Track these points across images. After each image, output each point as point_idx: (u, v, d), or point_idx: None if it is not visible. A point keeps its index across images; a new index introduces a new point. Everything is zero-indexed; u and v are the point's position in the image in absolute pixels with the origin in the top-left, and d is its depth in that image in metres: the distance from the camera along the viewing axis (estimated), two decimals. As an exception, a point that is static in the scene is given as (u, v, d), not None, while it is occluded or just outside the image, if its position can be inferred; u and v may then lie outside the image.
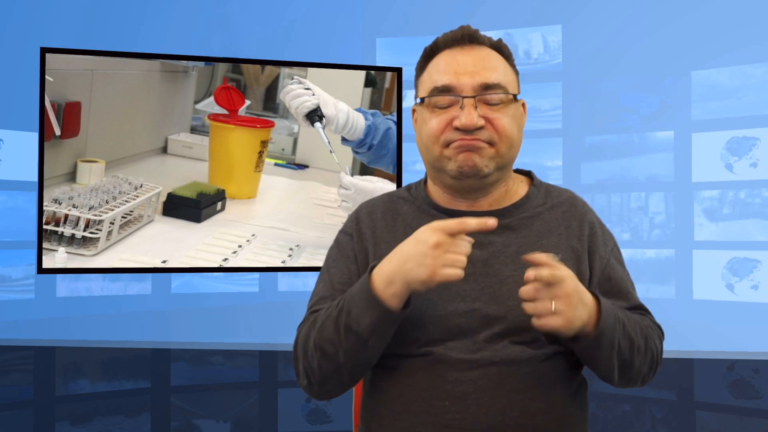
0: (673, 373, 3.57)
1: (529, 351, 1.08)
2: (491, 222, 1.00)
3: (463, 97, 1.09)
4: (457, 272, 0.99)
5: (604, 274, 1.16)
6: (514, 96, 1.13)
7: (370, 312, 1.01)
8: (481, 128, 1.09)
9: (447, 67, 1.12)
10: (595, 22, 3.98)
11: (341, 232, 1.23)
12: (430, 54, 1.16)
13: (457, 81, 1.10)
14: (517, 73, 1.18)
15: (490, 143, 1.10)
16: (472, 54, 1.12)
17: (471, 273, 1.10)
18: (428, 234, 0.99)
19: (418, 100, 1.17)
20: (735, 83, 3.79)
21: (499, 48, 1.16)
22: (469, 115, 1.08)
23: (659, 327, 1.18)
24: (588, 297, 1.02)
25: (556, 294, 0.98)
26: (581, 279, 1.12)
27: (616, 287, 1.16)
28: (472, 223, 0.99)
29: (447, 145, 1.11)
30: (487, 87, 1.10)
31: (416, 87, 1.19)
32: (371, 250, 1.16)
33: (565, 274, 1.00)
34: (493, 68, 1.12)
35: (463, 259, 0.99)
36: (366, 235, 1.18)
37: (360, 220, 1.20)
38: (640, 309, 1.18)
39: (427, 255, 0.98)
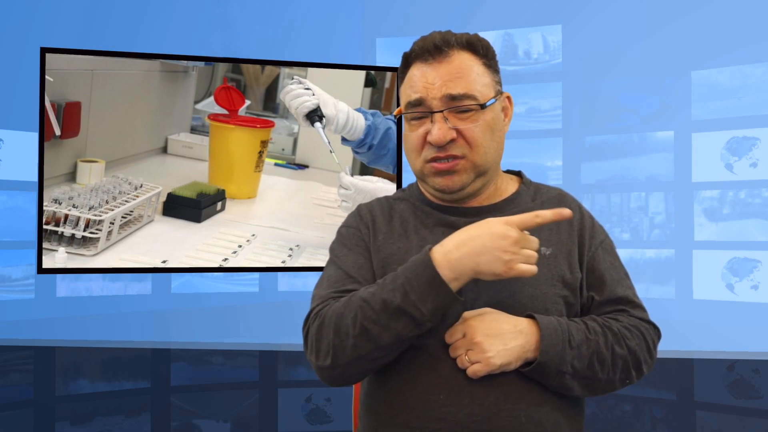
0: (673, 373, 3.57)
1: None
2: (566, 212, 1.05)
3: (432, 113, 1.12)
4: (532, 268, 1.02)
5: (589, 265, 1.17)
6: (482, 105, 1.13)
7: (434, 298, 1.01)
8: (452, 141, 1.12)
9: (417, 83, 1.14)
10: (595, 22, 3.98)
11: (344, 226, 1.25)
12: (406, 63, 1.18)
13: (426, 95, 1.13)
14: (495, 70, 1.18)
15: (464, 157, 1.13)
16: (439, 69, 1.13)
17: None
18: (505, 229, 1.02)
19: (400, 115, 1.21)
20: (735, 83, 3.79)
21: (473, 47, 1.15)
22: (438, 131, 1.12)
23: (647, 321, 1.17)
24: (519, 327, 1.06)
25: (468, 345, 1.06)
26: (572, 272, 1.15)
27: (598, 279, 1.17)
28: (548, 215, 1.04)
29: (426, 161, 1.15)
30: (453, 98, 1.12)
31: (399, 95, 1.22)
32: (371, 241, 1.19)
33: (471, 323, 1.06)
34: (460, 78, 1.12)
35: (536, 255, 1.03)
36: (369, 226, 1.21)
37: (362, 216, 1.24)
38: (622, 302, 1.17)
39: (506, 251, 1.01)
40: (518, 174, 1.27)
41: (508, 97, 1.20)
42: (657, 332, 1.18)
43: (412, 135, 1.16)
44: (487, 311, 1.08)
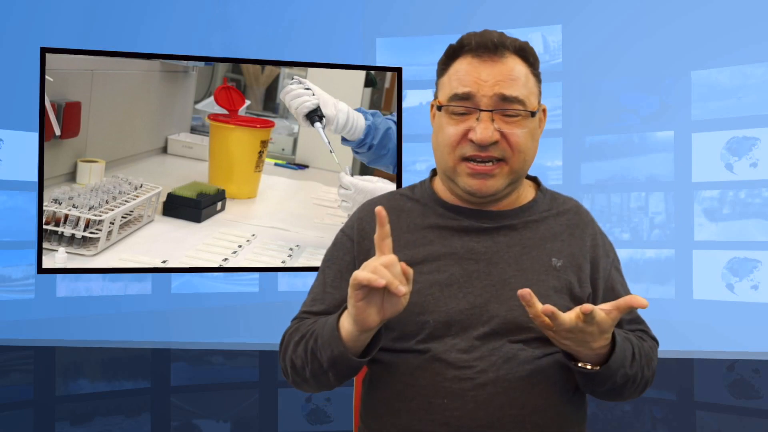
0: (673, 373, 3.57)
1: (527, 350, 1.08)
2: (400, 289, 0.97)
3: (481, 110, 1.08)
4: (365, 305, 0.97)
5: (607, 285, 1.18)
6: (532, 113, 1.10)
7: (332, 347, 1.03)
8: (495, 142, 1.09)
9: (467, 77, 1.10)
10: (595, 22, 3.98)
11: (341, 231, 1.23)
12: (453, 54, 1.14)
13: (477, 92, 1.08)
14: (540, 81, 1.16)
15: (503, 159, 1.10)
16: (495, 67, 1.09)
17: (474, 270, 1.11)
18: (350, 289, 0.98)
19: (437, 106, 1.16)
20: (735, 83, 3.79)
21: (524, 54, 1.12)
22: (484, 130, 1.08)
23: (656, 341, 1.21)
24: (601, 343, 1.03)
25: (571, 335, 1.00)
26: (581, 286, 1.14)
27: (617, 294, 1.16)
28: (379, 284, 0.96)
29: (461, 159, 1.11)
30: (505, 99, 1.08)
31: (437, 85, 1.17)
32: (371, 250, 1.15)
33: (599, 320, 1.00)
34: (514, 81, 1.09)
35: (361, 294, 0.97)
36: (369, 235, 1.16)
37: (362, 220, 1.20)
38: (639, 322, 1.21)
39: (358, 308, 0.97)
40: (534, 179, 1.25)
41: (544, 110, 1.17)
42: (657, 346, 1.22)
43: (450, 129, 1.11)
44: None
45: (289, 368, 1.13)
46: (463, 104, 1.09)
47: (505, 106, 1.08)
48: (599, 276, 1.17)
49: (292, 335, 1.13)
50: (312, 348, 1.07)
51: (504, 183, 1.12)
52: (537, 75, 1.15)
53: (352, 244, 1.18)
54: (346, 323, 1.02)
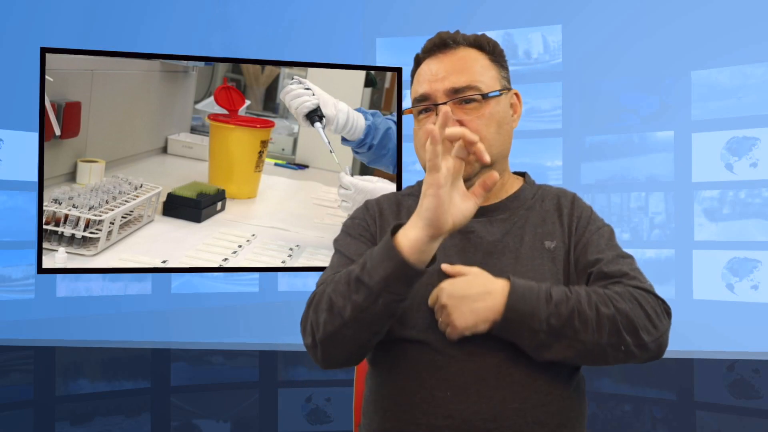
0: (673, 373, 3.57)
1: None
2: (492, 176, 0.99)
3: (436, 105, 1.14)
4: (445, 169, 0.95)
5: (583, 249, 1.15)
6: (484, 95, 1.14)
7: (385, 263, 0.97)
8: None
9: (422, 77, 1.17)
10: (595, 22, 3.98)
11: (350, 218, 1.26)
12: (416, 63, 1.22)
13: (431, 89, 1.15)
14: (502, 66, 1.20)
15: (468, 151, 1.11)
16: (444, 60, 1.16)
17: (474, 262, 1.13)
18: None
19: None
20: (735, 83, 3.79)
21: (479, 44, 1.18)
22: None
23: (645, 290, 1.11)
24: (489, 288, 1.04)
25: (439, 308, 1.06)
26: (571, 264, 1.15)
27: (593, 259, 1.14)
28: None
29: None
30: (457, 90, 1.14)
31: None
32: (378, 232, 1.21)
33: (441, 285, 1.06)
34: (464, 70, 1.14)
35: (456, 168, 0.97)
36: (376, 219, 1.22)
37: (369, 208, 1.25)
38: (616, 276, 1.12)
39: (440, 197, 0.95)
40: (523, 175, 1.29)
41: (516, 94, 1.22)
42: (659, 302, 1.12)
43: (419, 131, 1.17)
44: (469, 271, 1.07)
45: (323, 315, 1.03)
46: (423, 104, 1.16)
47: (458, 96, 1.13)
48: (579, 244, 1.16)
49: (326, 284, 1.07)
50: (358, 275, 1.00)
51: (474, 169, 1.13)
52: (497, 61, 1.19)
53: (366, 221, 1.22)
54: (411, 234, 0.97)
